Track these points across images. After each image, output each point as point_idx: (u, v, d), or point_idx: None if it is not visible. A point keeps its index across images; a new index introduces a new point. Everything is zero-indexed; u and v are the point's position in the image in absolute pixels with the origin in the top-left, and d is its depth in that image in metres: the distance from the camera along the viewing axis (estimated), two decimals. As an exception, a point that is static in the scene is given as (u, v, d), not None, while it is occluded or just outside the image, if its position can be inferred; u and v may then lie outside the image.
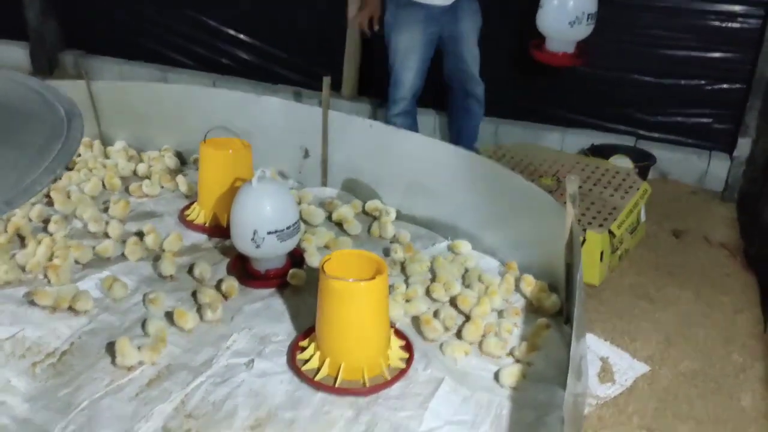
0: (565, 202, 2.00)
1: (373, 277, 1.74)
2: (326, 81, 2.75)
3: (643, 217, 2.84)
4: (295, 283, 2.19)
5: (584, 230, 2.48)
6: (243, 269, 2.27)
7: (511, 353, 2.00)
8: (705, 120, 3.45)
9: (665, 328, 2.31)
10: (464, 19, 3.10)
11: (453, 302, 2.19)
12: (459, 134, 3.34)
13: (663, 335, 2.27)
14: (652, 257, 2.74)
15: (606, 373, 2.10)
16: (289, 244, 2.19)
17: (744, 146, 3.29)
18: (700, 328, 2.33)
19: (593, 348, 2.18)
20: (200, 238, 2.51)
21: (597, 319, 2.34)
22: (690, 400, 2.01)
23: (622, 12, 3.35)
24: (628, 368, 2.12)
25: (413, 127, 3.25)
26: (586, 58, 3.17)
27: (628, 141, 3.48)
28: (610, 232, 2.53)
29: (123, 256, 2.34)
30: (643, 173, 3.20)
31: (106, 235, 2.43)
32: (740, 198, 3.28)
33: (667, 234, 2.94)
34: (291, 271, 2.19)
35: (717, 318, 2.39)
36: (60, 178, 2.72)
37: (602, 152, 3.30)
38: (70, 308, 2.06)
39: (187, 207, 2.64)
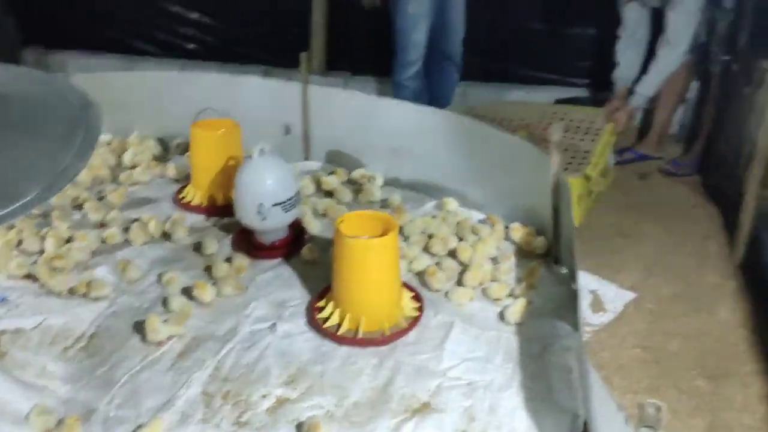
0: (542, 150, 2.15)
1: (385, 233, 1.87)
2: (303, 57, 2.83)
3: (612, 161, 3.03)
4: (310, 257, 2.28)
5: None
6: (248, 243, 2.36)
7: (511, 294, 2.16)
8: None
9: (644, 259, 2.52)
10: None
11: (451, 254, 2.33)
12: (434, 96, 3.49)
13: (643, 265, 2.48)
14: (623, 198, 2.95)
15: (597, 304, 2.28)
16: (293, 215, 2.29)
17: (694, 90, 3.50)
18: (674, 256, 2.54)
19: (583, 282, 2.35)
20: (198, 218, 2.58)
21: (581, 257, 2.51)
22: (675, 318, 2.22)
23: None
24: (616, 297, 2.32)
25: (423, 89, 3.44)
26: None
27: (585, 93, 3.67)
28: (586, 176, 2.71)
29: (127, 242, 2.41)
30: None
31: (104, 224, 2.48)
32: (693, 136, 3.51)
33: (633, 177, 3.14)
34: (306, 246, 2.29)
35: (688, 246, 2.61)
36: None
37: (566, 104, 3.48)
38: (87, 295, 2.13)
39: (181, 190, 2.71)
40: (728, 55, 3.20)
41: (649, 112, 3.52)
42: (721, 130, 3.14)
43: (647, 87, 3.16)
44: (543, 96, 3.63)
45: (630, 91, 3.25)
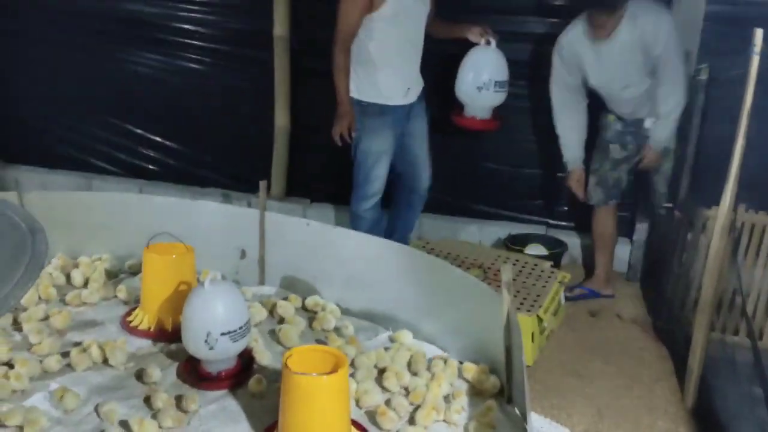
0: (496, 290, 2.18)
1: (335, 370, 1.83)
2: (263, 185, 2.88)
3: (562, 300, 3.08)
4: (257, 389, 2.21)
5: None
6: (194, 372, 2.29)
7: (463, 435, 2.10)
8: (605, 208, 3.81)
9: (595, 401, 2.50)
10: (417, 117, 3.46)
11: (403, 389, 2.28)
12: (396, 227, 3.56)
13: (595, 408, 2.46)
14: (574, 336, 2.97)
15: (549, 448, 2.24)
16: (241, 344, 2.24)
17: (641, 231, 3.64)
18: (625, 399, 2.54)
19: (536, 425, 2.32)
20: (145, 343, 2.50)
21: (534, 397, 2.50)
22: (627, 466, 2.18)
23: (521, 115, 3.71)
24: (569, 442, 2.27)
25: (380, 218, 3.52)
26: (498, 122, 3.55)
27: (540, 230, 3.77)
28: (538, 317, 2.74)
29: (69, 367, 2.31)
30: (557, 259, 3.47)
31: (45, 348, 2.38)
32: (643, 277, 3.61)
33: (584, 314, 3.18)
34: (254, 378, 2.22)
35: (639, 389, 2.61)
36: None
37: (518, 241, 3.56)
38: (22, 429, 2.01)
39: (129, 313, 2.64)
40: (670, 202, 3.36)
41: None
42: (668, 273, 3.24)
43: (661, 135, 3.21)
44: (496, 231, 3.73)
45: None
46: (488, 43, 3.38)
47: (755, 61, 2.25)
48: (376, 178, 3.39)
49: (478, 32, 3.39)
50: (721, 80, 2.96)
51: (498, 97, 3.44)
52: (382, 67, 3.33)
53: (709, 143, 3.12)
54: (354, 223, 3.50)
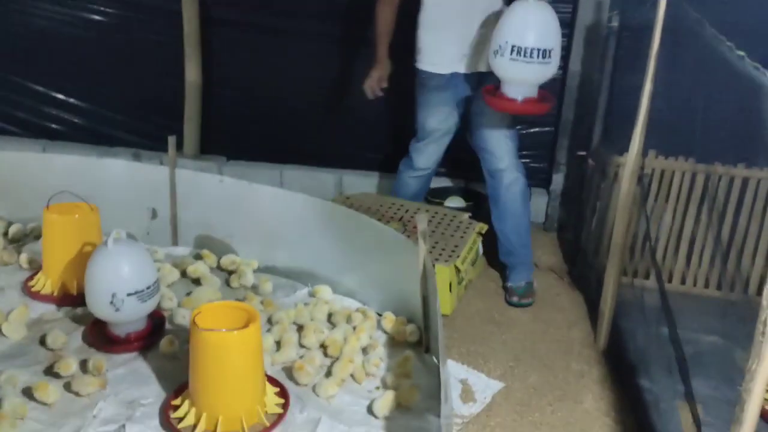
0: (414, 242, 2.17)
1: (246, 326, 1.78)
2: (171, 140, 2.76)
3: (481, 250, 3.11)
4: (169, 350, 2.14)
5: (433, 265, 2.67)
6: (101, 335, 2.20)
7: (381, 385, 2.10)
8: (524, 161, 3.85)
9: (512, 347, 2.55)
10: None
11: (321, 345, 2.26)
12: (498, 231, 3.03)
13: (511, 354, 2.50)
14: (492, 285, 3.00)
15: (467, 394, 2.27)
16: (150, 305, 2.16)
17: (558, 181, 3.69)
18: (541, 344, 2.59)
19: (453, 372, 2.34)
20: (49, 308, 2.39)
21: (452, 345, 2.52)
22: (541, 408, 2.23)
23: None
24: (486, 387, 2.32)
25: (423, 189, 3.29)
26: (543, 105, 2.73)
27: (460, 183, 3.78)
28: (456, 268, 2.75)
29: (-34, 335, 2.18)
30: (475, 210, 3.49)
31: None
32: (559, 227, 3.68)
33: (503, 264, 3.22)
34: (166, 338, 2.16)
35: (554, 333, 2.67)
36: None
37: (439, 194, 3.56)
38: None
39: (31, 278, 2.51)
40: (584, 150, 3.41)
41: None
42: (582, 221, 3.31)
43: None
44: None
45: None
46: None
47: (662, 5, 2.27)
48: (424, 153, 3.09)
49: None
50: (633, 27, 2.98)
51: (525, 70, 2.55)
52: (430, 28, 2.89)
53: (621, 91, 3.16)
54: (396, 183, 3.28)
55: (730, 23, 1.90)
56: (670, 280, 2.99)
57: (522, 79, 2.61)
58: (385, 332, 2.38)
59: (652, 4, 2.35)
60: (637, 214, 2.69)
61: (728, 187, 2.94)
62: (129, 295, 2.07)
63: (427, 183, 3.31)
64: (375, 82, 3.00)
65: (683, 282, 3.02)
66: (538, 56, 2.52)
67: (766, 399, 2.18)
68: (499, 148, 2.92)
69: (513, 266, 2.97)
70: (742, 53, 1.55)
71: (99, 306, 2.10)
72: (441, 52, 2.89)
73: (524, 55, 2.52)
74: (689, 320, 2.51)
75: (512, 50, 2.52)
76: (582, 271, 3.13)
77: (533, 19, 2.54)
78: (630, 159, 2.50)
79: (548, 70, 2.59)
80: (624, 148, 2.58)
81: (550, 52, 2.54)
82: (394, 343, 2.33)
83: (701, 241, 2.98)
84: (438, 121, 3.01)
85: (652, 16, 2.33)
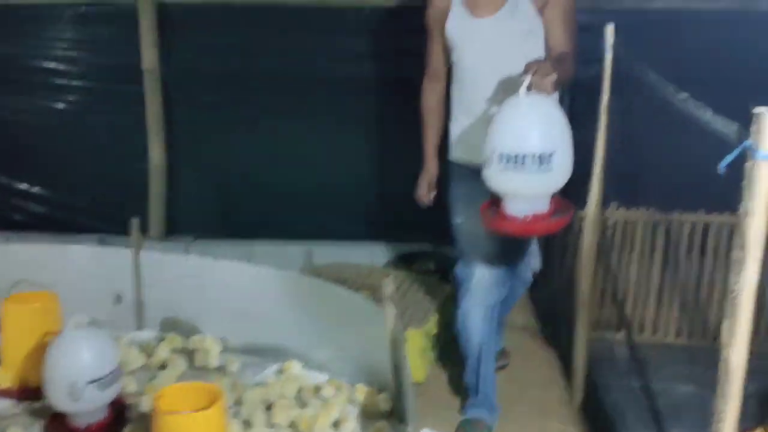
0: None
1: (209, 406, 1.73)
2: (134, 222, 2.75)
3: (453, 313, 3.08)
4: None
5: (404, 330, 2.64)
6: (61, 428, 2.12)
7: (354, 460, 2.04)
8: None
9: (489, 411, 2.50)
10: None
11: (292, 423, 2.20)
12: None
13: (489, 417, 2.46)
14: (466, 349, 2.97)
15: (445, 463, 2.21)
16: (111, 392, 2.09)
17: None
18: (518, 405, 2.56)
19: (429, 441, 2.29)
20: (7, 404, 2.30)
21: (427, 413, 2.47)
22: (522, 472, 2.18)
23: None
24: (464, 455, 2.25)
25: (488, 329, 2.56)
26: (555, 221, 2.19)
27: (429, 246, 3.78)
28: (426, 331, 2.72)
29: None
30: (445, 273, 3.48)
31: None
32: (531, 285, 3.68)
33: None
34: (127, 428, 2.09)
35: (530, 394, 2.64)
36: None
37: (408, 260, 3.56)
38: None
39: (-10, 372, 2.43)
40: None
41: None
42: (551, 277, 3.31)
43: None
44: (386, 251, 3.72)
45: None
46: (529, 88, 2.08)
47: (608, 58, 2.35)
48: (469, 254, 2.55)
49: (529, 67, 2.10)
50: (584, 83, 3.07)
51: (517, 180, 2.07)
52: (456, 114, 2.54)
53: (579, 146, 3.22)
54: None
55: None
56: (641, 331, 2.99)
57: (516, 193, 2.12)
58: (357, 404, 2.33)
59: (598, 59, 2.43)
60: (603, 266, 2.71)
61: (690, 234, 2.98)
62: (89, 383, 2.01)
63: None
64: (424, 192, 2.67)
65: (654, 332, 3.02)
66: (533, 163, 2.03)
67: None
68: (532, 252, 2.71)
69: None
70: (685, 95, 1.59)
71: (58, 396, 2.03)
72: (462, 138, 2.53)
73: (515, 163, 2.04)
74: (663, 371, 2.51)
75: (501, 158, 2.06)
76: (554, 327, 3.12)
77: (526, 118, 2.08)
78: (590, 211, 2.53)
79: (550, 179, 2.07)
80: (585, 202, 2.61)
81: (550, 156, 2.03)
82: (367, 414, 2.27)
83: (669, 290, 3.00)
84: (463, 219, 2.57)
85: (601, 71, 2.41)
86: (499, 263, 2.49)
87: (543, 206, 2.13)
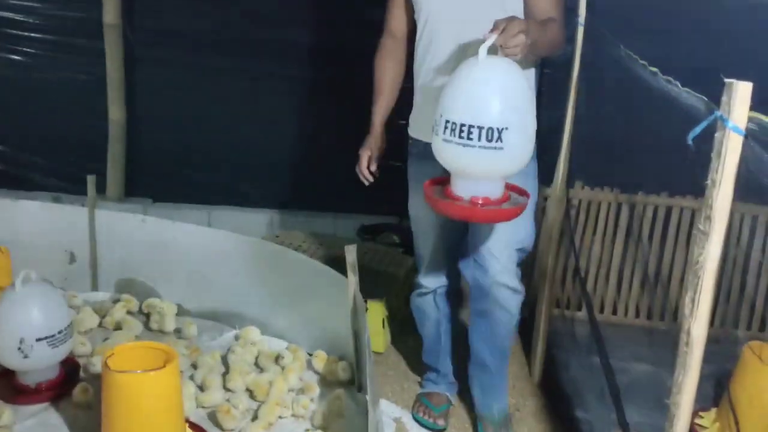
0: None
1: (162, 366, 1.68)
2: (91, 179, 2.66)
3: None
4: (83, 399, 2.01)
5: (366, 301, 2.61)
6: (9, 386, 2.05)
7: (311, 427, 2.02)
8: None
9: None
10: None
11: (248, 388, 2.17)
12: (472, 351, 2.36)
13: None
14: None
15: (401, 433, 2.20)
16: (62, 351, 2.03)
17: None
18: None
19: (387, 411, 2.27)
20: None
21: (386, 382, 2.46)
22: (478, 443, 2.18)
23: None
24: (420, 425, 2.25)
25: (440, 313, 2.46)
26: (506, 210, 1.88)
27: (393, 219, 3.76)
28: (388, 301, 2.70)
29: None
30: (409, 246, 3.46)
31: None
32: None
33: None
34: (79, 386, 2.02)
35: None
36: None
37: (372, 231, 3.53)
38: None
39: (-67, 328, 2.33)
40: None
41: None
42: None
43: None
44: (351, 223, 3.68)
45: None
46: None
47: (580, 32, 2.32)
48: (423, 258, 2.37)
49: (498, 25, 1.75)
50: (555, 63, 3.05)
51: (463, 156, 1.74)
52: (419, 87, 2.23)
53: (547, 124, 3.21)
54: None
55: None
56: (601, 311, 3.01)
57: (461, 170, 1.81)
58: (316, 372, 2.30)
59: (569, 38, 2.40)
60: (567, 245, 2.71)
61: (653, 216, 3.01)
62: (38, 340, 1.94)
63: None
64: (363, 164, 2.35)
65: (614, 312, 3.05)
66: (479, 137, 1.70)
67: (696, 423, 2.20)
68: (499, 254, 2.18)
69: None
70: (655, 69, 1.57)
71: (6, 353, 1.96)
72: (424, 114, 2.14)
73: (460, 135, 1.72)
74: (621, 350, 2.53)
75: (446, 126, 1.74)
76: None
77: (479, 84, 1.73)
78: (555, 190, 2.53)
79: (501, 159, 1.72)
80: (551, 180, 2.61)
81: (501, 132, 1.69)
82: (326, 382, 2.25)
83: (629, 270, 3.03)
84: (419, 206, 2.30)
85: (571, 51, 2.39)
86: (450, 249, 2.33)
87: (494, 191, 1.82)
